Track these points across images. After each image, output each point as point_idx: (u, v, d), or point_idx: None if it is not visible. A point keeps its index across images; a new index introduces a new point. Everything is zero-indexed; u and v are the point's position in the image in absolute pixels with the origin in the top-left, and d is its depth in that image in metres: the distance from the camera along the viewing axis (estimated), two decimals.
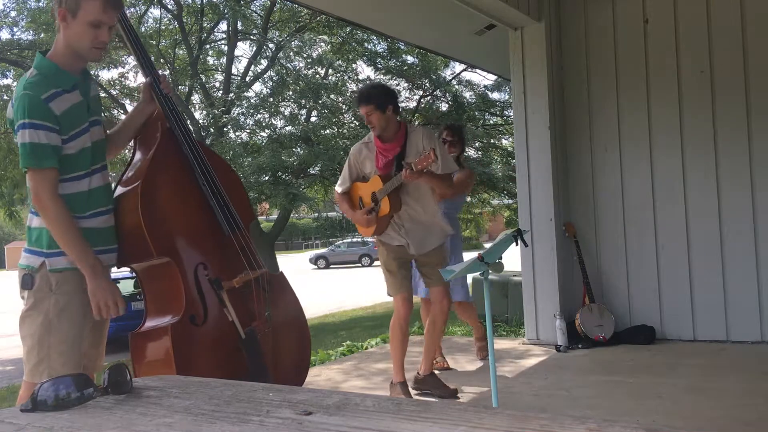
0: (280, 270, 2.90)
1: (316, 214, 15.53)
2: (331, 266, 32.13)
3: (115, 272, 2.60)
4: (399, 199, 3.74)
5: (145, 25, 13.14)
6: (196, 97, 13.81)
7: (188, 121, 12.86)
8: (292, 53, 13.49)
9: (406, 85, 14.26)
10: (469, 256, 3.61)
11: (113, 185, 2.52)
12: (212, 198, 2.51)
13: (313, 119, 13.24)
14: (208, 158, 2.58)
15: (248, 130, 12.80)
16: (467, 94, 14.66)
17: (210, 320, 2.43)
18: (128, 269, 2.51)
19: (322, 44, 14.00)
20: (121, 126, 2.63)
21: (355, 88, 13.88)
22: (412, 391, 3.98)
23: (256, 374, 2.42)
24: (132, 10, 12.72)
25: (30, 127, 2.14)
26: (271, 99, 12.86)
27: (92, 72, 12.56)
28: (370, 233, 3.91)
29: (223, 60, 14.13)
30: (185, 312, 2.36)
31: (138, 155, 2.58)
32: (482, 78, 19.52)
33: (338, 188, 4.03)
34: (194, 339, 2.40)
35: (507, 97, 14.05)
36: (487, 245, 3.45)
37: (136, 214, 2.34)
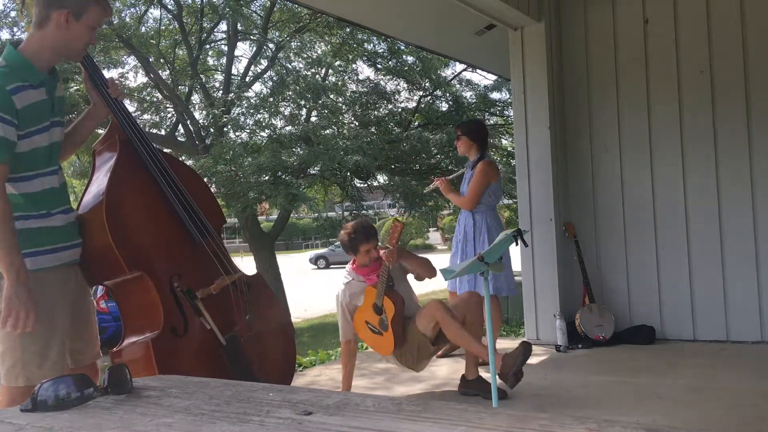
0: (257, 271, 2.90)
1: (316, 214, 15.50)
2: (331, 266, 32.09)
3: None
4: (396, 293, 3.83)
5: (146, 25, 13.14)
6: (196, 97, 13.82)
7: (188, 121, 12.93)
8: (291, 54, 13.49)
9: (406, 85, 14.25)
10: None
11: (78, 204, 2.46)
12: (179, 206, 2.45)
13: (313, 119, 13.23)
14: (171, 165, 2.52)
15: (248, 130, 12.79)
16: (467, 94, 14.66)
17: (190, 330, 2.40)
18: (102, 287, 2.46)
19: (321, 45, 14.00)
20: (72, 129, 2.56)
21: (355, 88, 13.89)
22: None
23: (241, 378, 2.40)
24: (132, 10, 12.71)
25: None
26: (271, 99, 12.86)
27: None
28: (390, 351, 3.90)
29: (223, 60, 14.13)
30: (165, 324, 2.33)
31: (98, 171, 2.50)
32: (482, 78, 19.52)
33: (343, 339, 4.00)
34: (176, 350, 2.38)
35: (507, 97, 14.04)
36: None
37: (103, 231, 2.28)
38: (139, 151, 2.45)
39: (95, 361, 2.41)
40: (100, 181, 2.43)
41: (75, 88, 10.55)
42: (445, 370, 4.58)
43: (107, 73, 2.56)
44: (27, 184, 2.22)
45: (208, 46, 14.05)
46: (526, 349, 3.59)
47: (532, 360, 4.84)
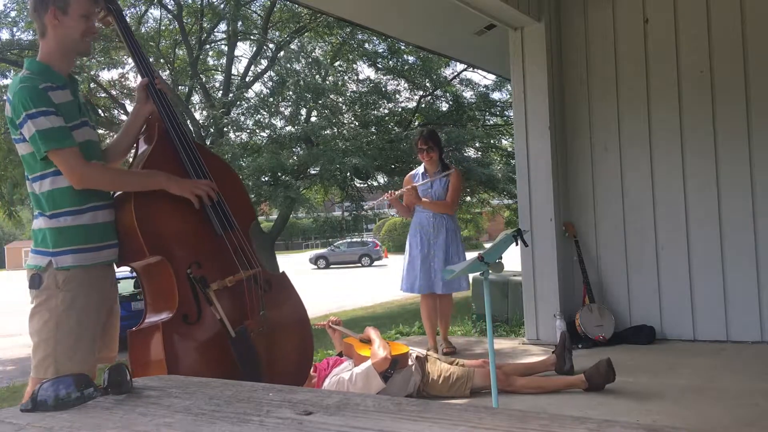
0: (282, 270, 2.90)
1: (315, 214, 15.51)
2: (331, 266, 32.14)
3: (117, 272, 2.61)
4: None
5: (145, 25, 13.14)
6: (196, 98, 13.82)
7: (188, 122, 12.93)
8: (291, 56, 13.49)
9: (406, 84, 14.25)
10: (469, 255, 3.61)
11: None
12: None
13: (313, 119, 13.23)
14: (206, 159, 2.61)
15: (248, 131, 12.80)
16: (467, 94, 14.67)
17: (203, 319, 2.45)
18: (128, 269, 2.56)
19: (319, 49, 14.01)
20: (121, 131, 2.68)
21: (355, 88, 13.90)
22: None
23: (247, 373, 2.42)
24: (132, 10, 12.72)
25: (40, 115, 2.22)
26: (271, 99, 12.86)
27: (92, 72, 12.59)
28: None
29: (223, 60, 14.14)
30: (178, 310, 2.40)
31: (136, 157, 2.65)
32: (482, 78, 19.52)
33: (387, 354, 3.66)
34: (185, 336, 2.43)
35: (507, 97, 14.05)
36: (487, 245, 3.45)
37: (129, 213, 2.40)
38: (175, 141, 2.56)
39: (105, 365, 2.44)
40: (134, 167, 2.58)
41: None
42: None
43: (107, 74, 2.65)
44: (62, 179, 2.31)
45: (208, 46, 14.05)
46: (609, 368, 3.78)
47: (532, 360, 4.85)
